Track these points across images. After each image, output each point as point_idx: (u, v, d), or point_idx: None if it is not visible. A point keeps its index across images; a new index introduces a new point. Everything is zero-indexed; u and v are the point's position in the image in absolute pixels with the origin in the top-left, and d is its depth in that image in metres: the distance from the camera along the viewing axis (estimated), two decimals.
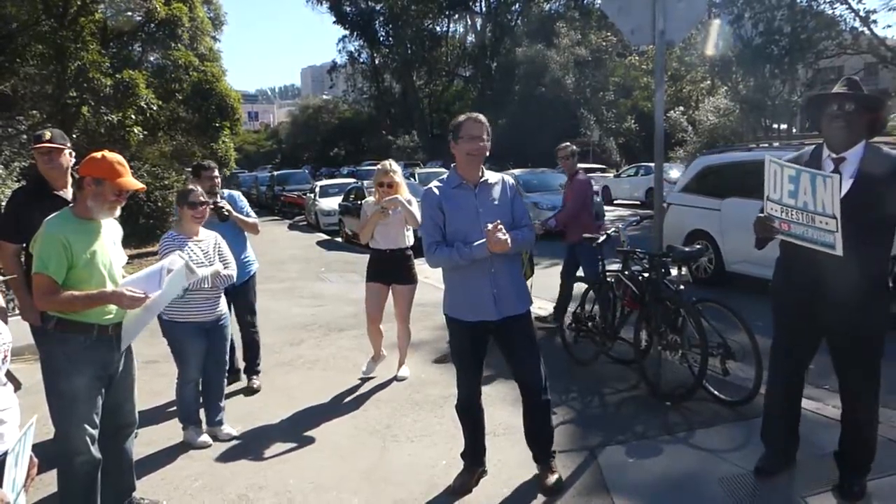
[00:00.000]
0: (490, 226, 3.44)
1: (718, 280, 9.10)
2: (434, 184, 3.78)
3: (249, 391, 5.61)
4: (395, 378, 5.72)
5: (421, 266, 4.99)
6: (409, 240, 5.57)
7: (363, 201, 5.82)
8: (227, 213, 5.37)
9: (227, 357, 4.79)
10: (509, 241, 3.44)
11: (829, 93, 3.54)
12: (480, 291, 3.65)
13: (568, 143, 7.30)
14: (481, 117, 3.68)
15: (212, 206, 5.25)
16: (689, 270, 9.49)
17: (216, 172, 5.57)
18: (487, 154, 3.68)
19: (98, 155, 3.25)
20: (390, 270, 5.56)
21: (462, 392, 3.87)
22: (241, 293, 5.65)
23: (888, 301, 3.44)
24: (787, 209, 3.37)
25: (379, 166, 5.61)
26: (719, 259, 9.11)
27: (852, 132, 3.35)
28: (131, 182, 3.29)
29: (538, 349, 3.82)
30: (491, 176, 3.75)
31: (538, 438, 3.87)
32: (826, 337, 3.56)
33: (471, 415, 3.89)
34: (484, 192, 3.69)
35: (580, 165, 7.57)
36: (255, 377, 5.71)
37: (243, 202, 5.75)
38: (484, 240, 3.48)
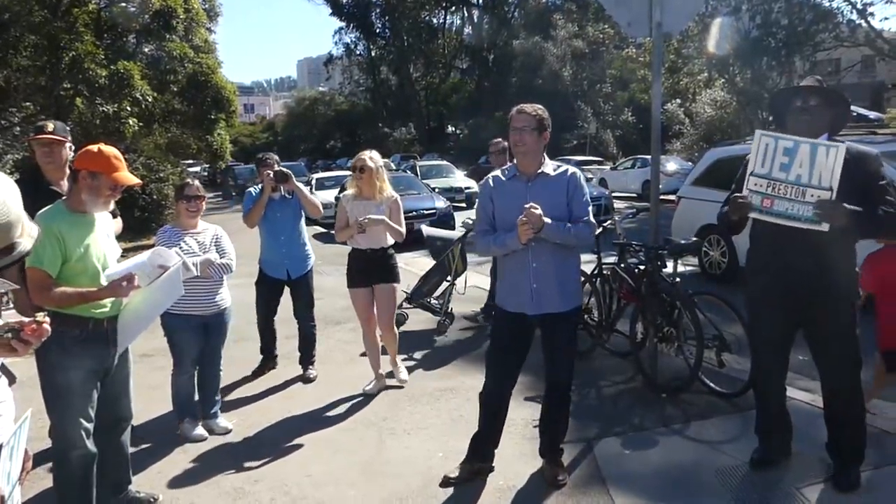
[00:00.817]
0: (527, 205, 3.40)
1: (731, 276, 8.87)
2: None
3: (306, 380, 5.67)
4: (397, 381, 5.46)
5: (416, 259, 4.96)
6: (390, 239, 5.25)
7: (341, 195, 5.43)
8: (285, 173, 5.39)
9: (221, 350, 4.78)
10: (531, 224, 3.37)
11: (794, 87, 3.68)
12: (520, 285, 3.64)
13: (500, 139, 7.22)
14: (528, 108, 3.61)
15: (271, 174, 5.40)
16: (700, 265, 9.44)
17: (276, 166, 5.61)
18: (542, 145, 3.61)
19: (94, 148, 3.23)
20: (372, 270, 5.16)
21: (487, 380, 3.84)
22: (300, 286, 5.73)
23: (854, 286, 3.52)
24: (775, 184, 3.34)
25: (357, 156, 5.23)
26: (733, 254, 8.91)
27: (816, 125, 3.43)
28: (128, 177, 3.27)
29: (575, 350, 3.84)
30: (551, 169, 3.66)
31: (550, 430, 3.87)
32: (802, 328, 3.60)
33: (488, 407, 3.85)
34: (539, 185, 3.61)
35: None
36: (310, 367, 5.79)
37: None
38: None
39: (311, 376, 5.70)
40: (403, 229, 5.19)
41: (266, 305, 5.85)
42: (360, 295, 5.21)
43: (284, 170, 5.44)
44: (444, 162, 25.73)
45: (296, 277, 5.67)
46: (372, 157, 5.11)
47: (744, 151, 8.99)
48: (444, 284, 7.26)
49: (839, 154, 3.19)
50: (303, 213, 5.69)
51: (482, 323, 7.22)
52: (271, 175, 5.38)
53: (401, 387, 5.37)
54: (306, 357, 5.82)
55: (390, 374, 5.52)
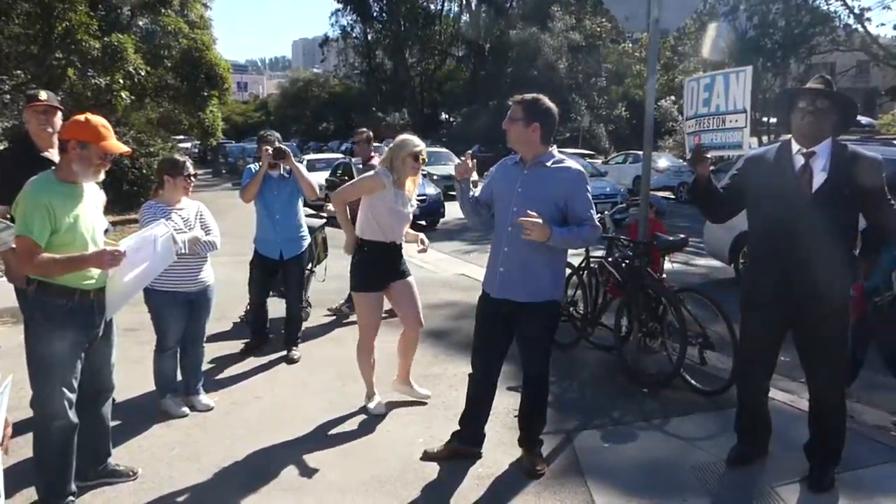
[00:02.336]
0: (523, 219, 3.41)
1: None
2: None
3: (290, 360, 5.62)
4: (417, 397, 4.78)
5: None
6: None
7: (382, 169, 4.51)
8: (284, 150, 5.31)
9: (205, 328, 4.77)
10: (528, 231, 3.39)
11: (802, 87, 3.65)
12: (492, 265, 3.76)
13: (364, 129, 7.29)
14: (519, 97, 3.70)
15: (270, 150, 5.33)
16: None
17: (276, 144, 5.51)
18: (531, 135, 3.62)
19: (81, 118, 3.21)
20: (389, 268, 4.52)
21: (472, 359, 3.96)
22: (292, 267, 5.69)
23: (849, 292, 3.54)
24: (701, 119, 3.43)
25: (407, 138, 4.55)
26: None
27: (821, 128, 3.44)
28: (116, 145, 3.26)
29: (546, 344, 3.81)
30: (552, 160, 3.66)
31: (526, 423, 3.90)
32: (792, 329, 3.62)
33: (470, 386, 3.96)
34: (535, 173, 3.63)
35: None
36: (294, 348, 5.75)
37: None
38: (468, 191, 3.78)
39: (295, 357, 5.68)
40: None
41: (260, 286, 5.84)
42: (375, 300, 4.53)
43: (283, 147, 5.40)
44: (444, 150, 25.55)
45: (288, 258, 5.65)
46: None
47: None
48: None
49: (747, 76, 3.24)
50: (300, 195, 5.67)
51: (346, 312, 7.04)
52: (270, 151, 5.35)
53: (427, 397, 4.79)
54: (291, 338, 5.80)
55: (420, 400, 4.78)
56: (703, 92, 3.42)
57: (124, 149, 3.35)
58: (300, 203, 5.74)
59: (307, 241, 5.80)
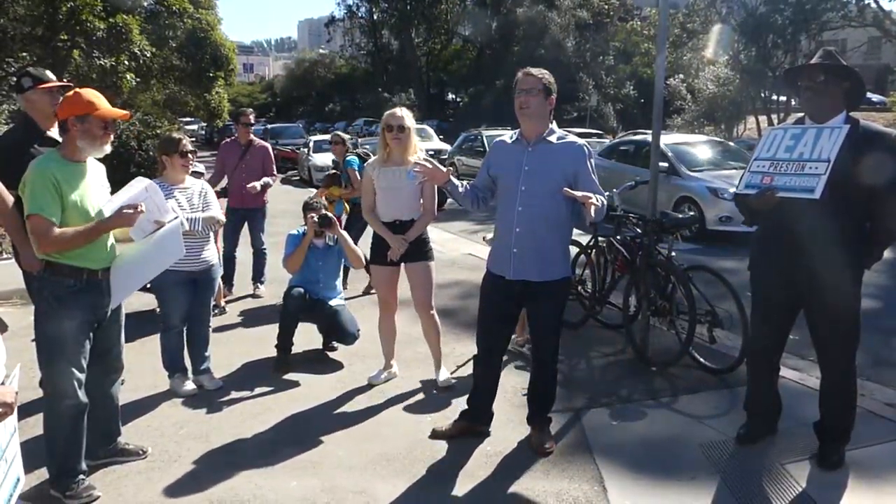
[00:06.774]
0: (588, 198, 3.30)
1: None
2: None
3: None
4: (437, 384, 4.70)
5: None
6: (418, 209, 4.52)
7: (367, 163, 4.73)
8: (330, 218, 5.00)
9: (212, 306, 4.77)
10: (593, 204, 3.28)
11: (800, 66, 3.65)
12: (503, 248, 3.68)
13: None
14: (535, 71, 3.60)
15: (315, 217, 5.04)
16: None
17: (322, 212, 5.11)
18: (548, 109, 3.59)
19: (72, 94, 3.21)
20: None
21: (477, 341, 3.96)
22: (323, 316, 5.27)
23: (861, 270, 3.47)
24: (777, 163, 3.40)
25: (388, 112, 4.47)
26: None
27: (826, 103, 3.39)
28: (113, 110, 3.24)
29: (556, 324, 3.79)
30: (555, 137, 3.62)
31: (535, 402, 3.91)
32: (804, 308, 3.58)
33: (477, 368, 3.95)
34: (539, 151, 3.57)
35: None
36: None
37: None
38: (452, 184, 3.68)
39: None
40: (436, 202, 4.58)
41: (294, 318, 5.24)
42: (383, 273, 4.60)
43: (329, 214, 5.08)
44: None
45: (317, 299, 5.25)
46: (407, 114, 4.45)
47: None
48: None
49: (841, 133, 3.21)
50: (342, 263, 5.41)
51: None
52: (315, 219, 5.04)
53: (447, 386, 4.66)
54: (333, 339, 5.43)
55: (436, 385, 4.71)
56: (788, 140, 3.42)
57: (123, 113, 3.33)
58: (341, 270, 5.37)
59: (342, 298, 5.45)
